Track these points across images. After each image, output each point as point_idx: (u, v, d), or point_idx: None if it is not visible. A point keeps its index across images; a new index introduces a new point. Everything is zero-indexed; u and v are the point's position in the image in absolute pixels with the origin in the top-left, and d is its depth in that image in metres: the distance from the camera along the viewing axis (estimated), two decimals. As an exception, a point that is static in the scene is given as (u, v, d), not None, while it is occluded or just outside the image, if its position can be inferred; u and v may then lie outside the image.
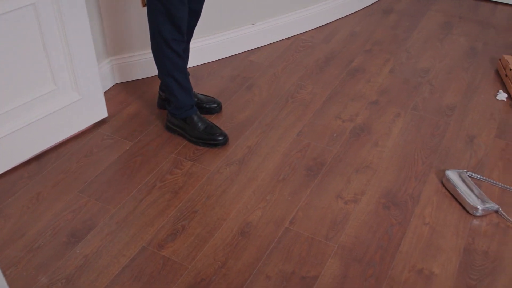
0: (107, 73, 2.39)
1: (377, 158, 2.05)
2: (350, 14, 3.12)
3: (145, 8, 2.24)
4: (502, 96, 2.41)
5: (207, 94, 2.37)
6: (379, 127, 2.22)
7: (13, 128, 1.89)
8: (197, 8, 1.99)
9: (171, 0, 1.80)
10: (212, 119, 2.24)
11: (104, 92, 2.38)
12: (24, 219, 1.77)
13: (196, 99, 2.22)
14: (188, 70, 2.30)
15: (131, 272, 1.60)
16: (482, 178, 1.96)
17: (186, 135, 2.11)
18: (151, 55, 2.39)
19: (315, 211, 1.82)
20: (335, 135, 2.17)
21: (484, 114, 2.31)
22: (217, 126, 2.11)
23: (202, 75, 2.55)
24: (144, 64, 2.48)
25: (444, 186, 1.93)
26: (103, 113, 2.19)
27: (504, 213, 1.82)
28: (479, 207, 1.79)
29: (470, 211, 1.81)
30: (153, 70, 2.50)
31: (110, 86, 2.43)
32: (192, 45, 2.47)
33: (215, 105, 2.26)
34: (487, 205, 1.80)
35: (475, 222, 1.80)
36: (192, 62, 2.58)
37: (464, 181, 1.89)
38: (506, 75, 2.50)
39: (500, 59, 2.60)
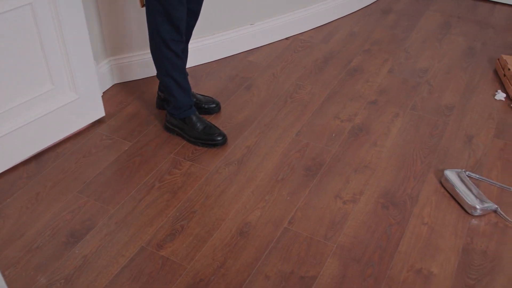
0: (106, 73, 2.39)
1: (376, 158, 2.05)
2: (349, 14, 3.12)
3: (144, 8, 2.24)
4: (501, 96, 2.41)
5: (206, 94, 2.38)
6: (377, 127, 2.22)
7: (11, 128, 1.89)
8: (196, 8, 1.99)
9: (169, 1, 1.81)
10: (211, 119, 2.24)
11: (103, 92, 2.39)
12: (23, 219, 1.78)
13: (195, 99, 2.23)
14: (187, 70, 2.29)
15: (130, 272, 1.60)
16: (480, 178, 1.96)
17: (185, 135, 2.11)
18: (150, 55, 2.40)
19: (314, 211, 1.82)
20: (333, 135, 2.17)
21: (483, 114, 2.31)
22: (215, 126, 2.11)
23: (201, 75, 2.55)
24: (143, 64, 2.48)
25: (442, 186, 1.94)
26: (100, 113, 2.19)
27: (502, 213, 1.82)
28: (477, 206, 1.79)
29: (469, 211, 1.81)
30: (152, 70, 2.50)
31: (109, 87, 2.43)
32: (191, 45, 2.47)
33: (214, 105, 2.26)
34: (486, 205, 1.80)
35: (474, 221, 1.80)
36: (191, 62, 2.58)
37: (462, 181, 1.89)
38: (504, 75, 2.50)
39: (498, 59, 2.60)
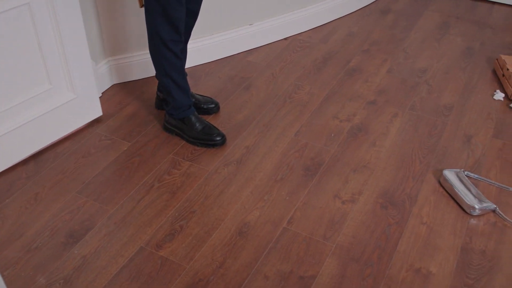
0: (105, 73, 2.39)
1: (375, 158, 2.06)
2: (348, 14, 3.13)
3: (143, 8, 2.24)
4: (499, 96, 2.42)
5: (205, 95, 2.38)
6: (376, 127, 2.22)
7: (9, 128, 1.90)
8: (194, 8, 1.99)
9: (168, 1, 1.81)
10: (210, 119, 2.24)
11: (102, 93, 2.39)
12: (22, 219, 1.77)
13: (193, 100, 2.23)
14: (186, 70, 2.30)
15: (129, 273, 1.60)
16: (479, 178, 1.96)
17: (184, 136, 2.11)
18: (149, 55, 2.40)
19: (313, 211, 1.82)
20: (332, 135, 2.17)
21: (481, 114, 2.32)
22: (214, 127, 2.11)
23: (200, 75, 2.55)
24: (142, 65, 2.48)
25: (441, 185, 1.94)
26: (97, 112, 2.20)
27: (501, 213, 1.82)
28: (476, 206, 1.79)
29: (468, 211, 1.82)
30: (151, 71, 2.50)
31: (108, 87, 2.43)
32: (190, 45, 2.47)
33: (213, 105, 2.26)
34: (485, 205, 1.80)
35: (473, 221, 1.80)
36: (189, 62, 2.58)
37: (461, 180, 1.89)
38: (503, 75, 2.50)
39: (497, 59, 2.61)
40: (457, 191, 1.85)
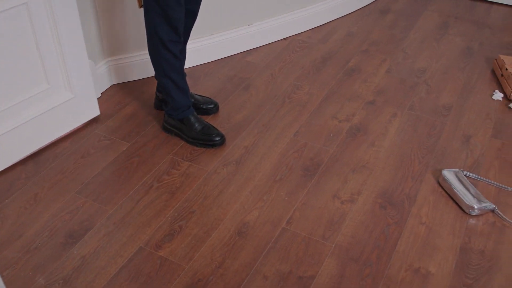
0: (104, 74, 2.39)
1: (374, 158, 2.06)
2: (347, 14, 3.13)
3: (142, 9, 2.24)
4: (498, 96, 2.42)
5: (204, 95, 2.38)
6: (375, 127, 2.22)
7: (8, 127, 1.90)
8: (194, 9, 1.99)
9: (167, 1, 1.81)
10: (209, 119, 2.24)
11: (101, 93, 2.39)
12: (21, 220, 1.78)
13: (193, 100, 2.23)
14: (185, 70, 2.30)
15: (128, 273, 1.61)
16: (478, 178, 1.97)
17: (183, 136, 2.11)
18: (148, 55, 2.40)
19: (312, 211, 1.83)
20: (331, 135, 2.17)
21: (480, 114, 2.32)
22: (214, 127, 2.11)
23: (199, 75, 2.55)
24: (141, 65, 2.48)
25: (440, 185, 1.94)
26: (95, 112, 2.20)
27: (500, 212, 1.82)
28: (475, 206, 1.79)
29: (467, 211, 1.82)
30: (150, 71, 2.50)
31: (107, 87, 2.43)
32: (189, 45, 2.47)
33: (212, 105, 2.27)
34: (483, 205, 1.80)
35: (472, 221, 1.80)
36: (189, 62, 2.58)
37: (460, 180, 1.89)
38: (502, 75, 2.50)
39: (496, 59, 2.61)
40: (456, 191, 1.85)
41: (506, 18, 3.14)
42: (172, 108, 2.09)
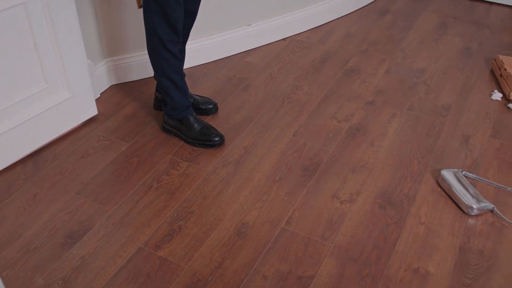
0: (103, 74, 2.39)
1: (373, 158, 2.06)
2: (346, 14, 3.13)
3: (141, 9, 2.25)
4: (497, 96, 2.42)
5: (203, 95, 2.38)
6: (375, 127, 2.23)
7: (6, 127, 1.90)
8: (193, 9, 1.99)
9: (167, 1, 1.81)
10: (208, 120, 2.24)
11: (101, 93, 2.39)
12: (20, 220, 1.78)
13: (192, 100, 2.23)
14: (184, 71, 2.30)
15: (127, 273, 1.61)
16: (477, 178, 1.97)
17: (182, 136, 2.11)
18: (147, 56, 2.40)
19: (311, 211, 1.83)
20: (331, 135, 2.17)
21: (479, 114, 2.32)
22: (213, 127, 2.11)
23: (198, 76, 2.55)
24: (140, 65, 2.48)
25: (439, 185, 1.94)
26: (93, 111, 2.20)
27: (499, 212, 1.83)
28: (474, 206, 1.79)
29: (466, 211, 1.82)
30: (149, 71, 2.50)
31: (106, 87, 2.43)
32: (188, 46, 2.47)
33: (211, 106, 2.27)
34: (482, 205, 1.80)
35: (471, 221, 1.80)
36: (188, 63, 2.58)
37: (459, 180, 1.89)
38: (501, 75, 2.51)
39: (495, 59, 2.61)
40: (455, 191, 1.85)
41: (505, 18, 3.14)
42: (171, 108, 2.09)
